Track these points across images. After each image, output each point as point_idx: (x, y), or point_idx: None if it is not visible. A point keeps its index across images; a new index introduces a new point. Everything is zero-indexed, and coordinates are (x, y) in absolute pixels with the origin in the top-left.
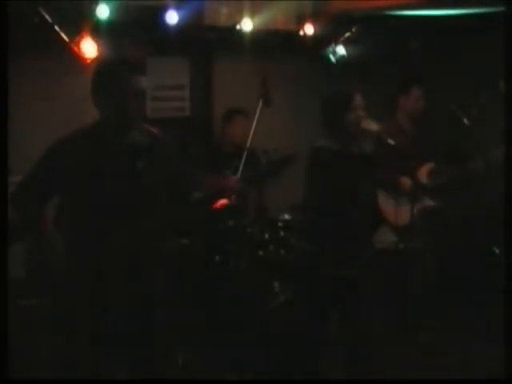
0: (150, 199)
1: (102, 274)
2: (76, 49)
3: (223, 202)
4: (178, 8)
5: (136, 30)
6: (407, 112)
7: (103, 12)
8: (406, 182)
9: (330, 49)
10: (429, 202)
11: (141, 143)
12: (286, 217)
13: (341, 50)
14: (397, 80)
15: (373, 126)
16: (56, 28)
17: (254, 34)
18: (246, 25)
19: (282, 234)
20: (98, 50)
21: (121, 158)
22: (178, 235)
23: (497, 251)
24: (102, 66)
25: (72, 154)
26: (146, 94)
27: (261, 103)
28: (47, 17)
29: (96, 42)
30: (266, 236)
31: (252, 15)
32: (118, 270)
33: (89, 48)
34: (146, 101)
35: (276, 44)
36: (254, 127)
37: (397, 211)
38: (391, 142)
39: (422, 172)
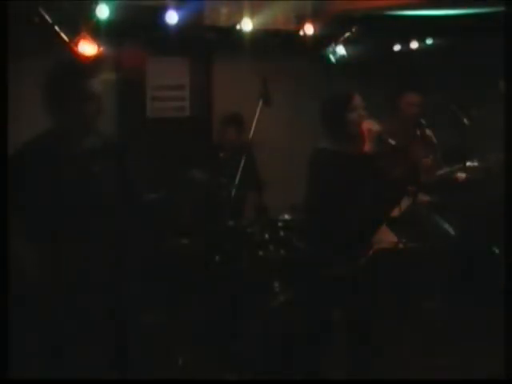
0: (108, 201)
1: (69, 277)
2: (76, 49)
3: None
4: (177, 8)
5: (136, 30)
6: (405, 115)
7: (103, 12)
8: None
9: (330, 49)
10: (424, 197)
11: (96, 147)
12: (286, 217)
13: (341, 50)
14: (395, 81)
15: (374, 126)
16: (56, 28)
17: (254, 34)
18: (246, 25)
19: (281, 233)
20: (98, 50)
21: (78, 164)
22: (177, 235)
23: (497, 251)
24: (53, 71)
25: (28, 164)
26: (143, 92)
27: (261, 103)
28: (47, 17)
29: (96, 41)
30: (266, 236)
31: (252, 15)
32: (85, 273)
33: (89, 48)
34: (147, 101)
35: (276, 44)
36: (253, 127)
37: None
38: (392, 141)
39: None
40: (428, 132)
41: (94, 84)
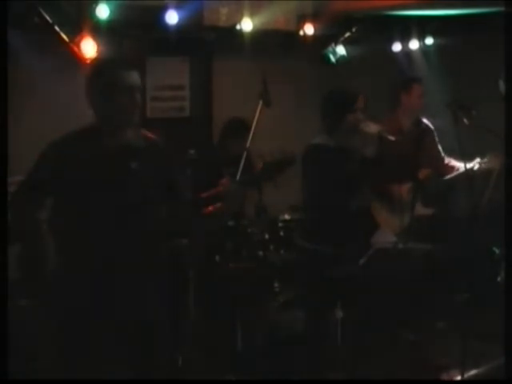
0: (145, 200)
1: (97, 274)
2: (76, 49)
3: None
4: (177, 8)
5: (136, 30)
6: (408, 109)
7: (103, 12)
8: (401, 189)
9: (330, 49)
10: (424, 211)
11: (136, 144)
12: (286, 217)
13: (341, 50)
14: (399, 78)
15: (371, 127)
16: (56, 28)
17: (254, 33)
18: (246, 25)
19: (281, 233)
20: (98, 50)
21: (116, 160)
22: (177, 235)
23: (497, 251)
24: (96, 64)
25: (66, 156)
26: (143, 92)
27: (261, 103)
28: (47, 17)
29: (96, 41)
30: (266, 236)
31: (252, 15)
32: (114, 271)
33: (89, 48)
34: (147, 101)
35: (276, 44)
36: (253, 127)
37: (390, 220)
38: (391, 137)
39: (421, 176)
40: (429, 128)
41: (136, 78)
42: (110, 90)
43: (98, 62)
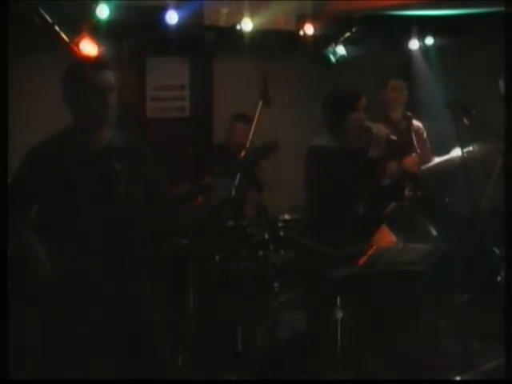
0: (130, 200)
1: (93, 276)
2: (76, 49)
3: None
4: (178, 8)
5: (136, 30)
6: (391, 105)
7: (103, 12)
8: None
9: (330, 49)
10: (408, 192)
11: (118, 144)
12: (286, 217)
13: (341, 50)
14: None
15: (381, 130)
16: (56, 28)
17: (254, 33)
18: (246, 25)
19: (281, 233)
20: (98, 50)
21: (99, 160)
22: (177, 235)
23: (497, 251)
24: (68, 67)
25: (48, 159)
26: (143, 92)
27: (261, 103)
28: (47, 17)
29: (96, 42)
30: (266, 236)
31: (252, 15)
32: (100, 272)
33: (89, 48)
34: (147, 101)
35: (276, 44)
36: (253, 127)
37: None
38: (393, 137)
39: (410, 161)
40: (415, 123)
41: (108, 76)
42: (80, 91)
43: (71, 64)
